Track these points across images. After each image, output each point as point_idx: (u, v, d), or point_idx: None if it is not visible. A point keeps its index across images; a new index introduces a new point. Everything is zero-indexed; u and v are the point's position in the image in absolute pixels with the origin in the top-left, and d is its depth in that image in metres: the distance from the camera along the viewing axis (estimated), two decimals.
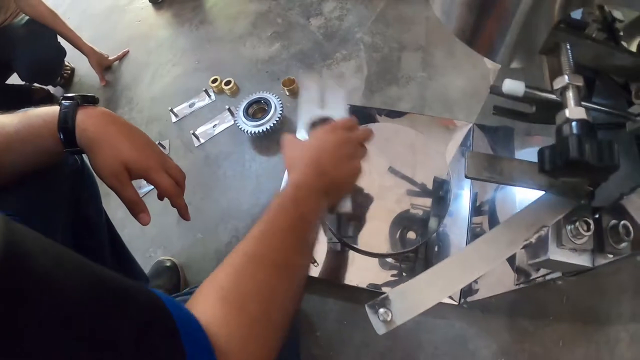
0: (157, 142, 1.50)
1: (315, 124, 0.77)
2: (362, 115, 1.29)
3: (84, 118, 0.62)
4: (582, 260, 0.55)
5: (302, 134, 0.77)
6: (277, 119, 1.34)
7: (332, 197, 0.63)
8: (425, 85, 1.43)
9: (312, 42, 1.61)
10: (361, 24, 1.61)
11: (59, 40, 1.80)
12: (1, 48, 1.72)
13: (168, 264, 1.24)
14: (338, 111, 0.78)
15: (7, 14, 1.75)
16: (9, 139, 0.61)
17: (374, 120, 1.29)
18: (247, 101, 1.39)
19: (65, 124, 0.62)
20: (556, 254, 0.56)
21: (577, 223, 0.53)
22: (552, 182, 0.56)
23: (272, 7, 1.78)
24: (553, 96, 0.52)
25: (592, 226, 0.53)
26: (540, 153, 0.48)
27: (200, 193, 1.38)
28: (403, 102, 1.40)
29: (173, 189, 0.69)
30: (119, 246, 1.00)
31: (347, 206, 0.67)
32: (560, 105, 0.48)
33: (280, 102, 1.38)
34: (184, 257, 1.28)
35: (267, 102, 1.37)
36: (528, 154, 1.08)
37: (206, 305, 0.42)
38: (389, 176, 1.18)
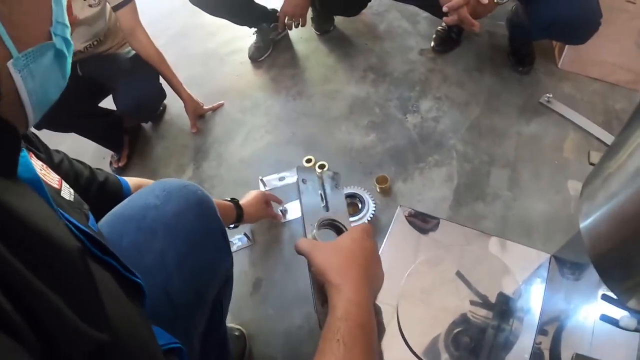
0: None
1: (322, 226, 0.74)
2: (438, 225, 1.36)
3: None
4: None
5: (310, 233, 0.72)
6: (370, 218, 1.38)
7: (375, 295, 0.67)
8: (509, 206, 1.46)
9: (407, 139, 1.66)
10: (455, 130, 1.66)
11: (160, 82, 1.89)
12: (103, 73, 1.80)
13: (237, 333, 1.28)
14: (341, 213, 0.76)
15: (114, 42, 1.85)
16: None
17: (459, 237, 1.34)
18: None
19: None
20: None
21: None
22: None
23: (371, 95, 1.85)
24: None
25: None
26: None
27: (280, 269, 1.43)
28: (487, 221, 1.43)
29: None
30: (225, 336, 1.08)
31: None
32: None
33: (373, 200, 1.43)
34: (252, 328, 1.32)
35: (362, 200, 1.42)
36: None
37: None
38: (454, 279, 1.24)
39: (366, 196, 1.43)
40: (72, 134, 1.85)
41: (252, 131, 1.85)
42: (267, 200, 1.43)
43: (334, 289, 0.59)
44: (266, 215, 1.44)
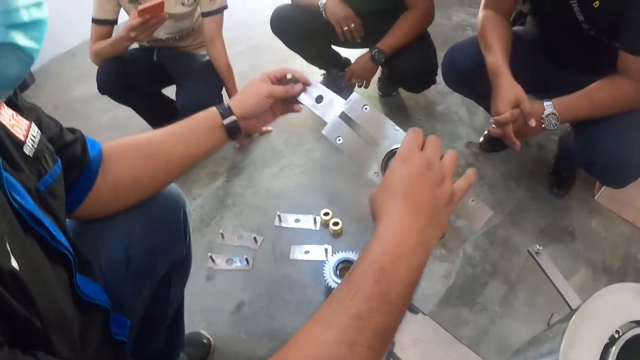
0: (252, 235, 1.67)
1: (389, 158, 0.70)
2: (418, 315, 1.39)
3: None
4: None
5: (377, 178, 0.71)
6: None
7: (434, 231, 0.58)
8: (493, 321, 1.47)
9: None
10: (470, 232, 1.70)
11: (222, 93, 2.00)
12: (175, 66, 1.95)
13: (205, 340, 1.39)
14: (392, 135, 0.70)
15: (194, 41, 2.00)
16: (178, 135, 0.88)
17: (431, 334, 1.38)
18: (340, 259, 1.48)
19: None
20: None
21: None
22: None
23: None
24: None
25: None
26: None
27: (264, 301, 1.51)
28: (466, 328, 1.45)
29: None
30: (178, 322, 1.19)
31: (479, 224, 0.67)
32: None
33: None
34: (220, 343, 1.41)
35: None
36: None
37: None
38: None
39: None
40: None
41: (287, 167, 1.95)
42: (269, 93, 0.90)
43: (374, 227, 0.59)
44: (264, 109, 0.93)
